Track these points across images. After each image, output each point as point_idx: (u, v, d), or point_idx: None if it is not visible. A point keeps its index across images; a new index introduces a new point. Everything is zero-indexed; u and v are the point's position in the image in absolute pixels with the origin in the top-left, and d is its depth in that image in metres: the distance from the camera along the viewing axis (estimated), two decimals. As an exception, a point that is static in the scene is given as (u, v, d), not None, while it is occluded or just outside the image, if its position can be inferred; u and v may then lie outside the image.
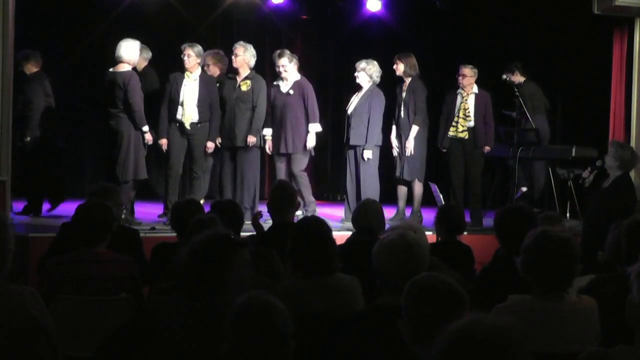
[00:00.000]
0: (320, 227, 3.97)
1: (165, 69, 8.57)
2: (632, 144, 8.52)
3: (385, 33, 10.76)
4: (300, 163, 8.30)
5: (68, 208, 8.30)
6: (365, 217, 5.34)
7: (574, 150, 8.65)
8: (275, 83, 8.42)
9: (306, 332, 2.85)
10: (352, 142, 8.34)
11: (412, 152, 8.35)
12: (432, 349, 1.93)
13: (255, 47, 9.43)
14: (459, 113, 8.61)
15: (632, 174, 7.42)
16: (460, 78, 8.61)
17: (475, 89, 8.60)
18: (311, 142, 8.22)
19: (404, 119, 8.40)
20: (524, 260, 3.34)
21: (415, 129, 8.35)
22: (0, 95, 6.93)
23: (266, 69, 11.16)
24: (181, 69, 8.08)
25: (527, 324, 3.21)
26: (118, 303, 4.17)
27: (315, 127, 8.25)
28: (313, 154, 8.47)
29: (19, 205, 8.24)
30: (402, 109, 8.42)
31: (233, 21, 10.99)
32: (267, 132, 8.27)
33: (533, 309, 3.26)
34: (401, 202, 8.67)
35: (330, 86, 11.51)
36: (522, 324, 3.15)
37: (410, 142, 8.34)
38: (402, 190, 8.63)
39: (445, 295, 2.62)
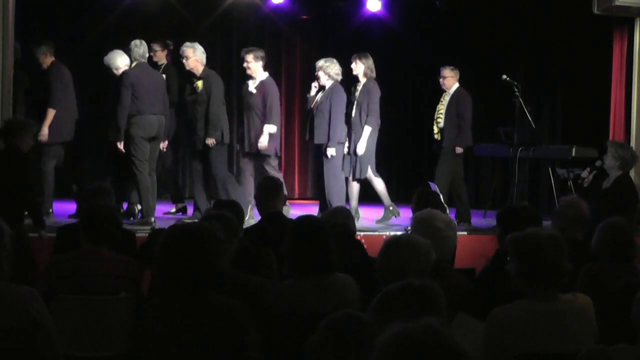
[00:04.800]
0: (318, 227, 3.96)
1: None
2: (632, 144, 8.52)
3: (385, 33, 10.76)
4: (268, 163, 8.27)
5: (64, 208, 8.31)
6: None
7: (573, 150, 8.66)
8: (247, 82, 8.43)
9: (303, 332, 2.84)
10: (315, 141, 8.34)
11: (362, 152, 8.33)
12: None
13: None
14: (435, 114, 8.67)
15: (631, 173, 7.43)
16: (440, 80, 8.66)
17: (453, 89, 8.63)
18: (262, 142, 8.16)
19: (355, 119, 8.40)
20: (516, 262, 3.33)
21: (367, 129, 8.32)
22: (0, 95, 6.93)
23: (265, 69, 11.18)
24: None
25: (525, 325, 3.21)
26: (118, 303, 4.17)
27: (269, 128, 8.17)
28: (278, 154, 8.45)
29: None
30: (354, 108, 8.44)
31: (233, 21, 10.99)
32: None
33: (530, 310, 3.26)
34: (353, 201, 8.54)
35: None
36: (521, 326, 3.19)
37: (362, 143, 8.33)
38: (353, 188, 8.55)
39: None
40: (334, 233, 5.07)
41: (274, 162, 8.38)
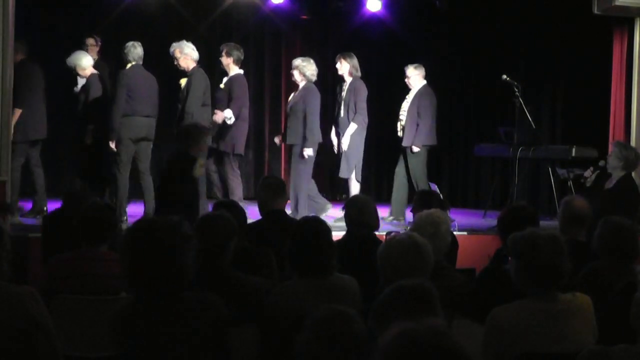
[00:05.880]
0: (318, 227, 3.95)
1: (164, 69, 8.58)
2: (632, 144, 8.51)
3: (385, 33, 10.75)
4: (224, 160, 8.16)
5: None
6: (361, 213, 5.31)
7: (574, 150, 8.66)
8: (223, 78, 8.39)
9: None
10: (288, 141, 8.26)
11: (347, 150, 8.32)
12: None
13: (255, 47, 9.39)
14: (400, 111, 8.71)
15: (633, 174, 7.43)
16: (405, 79, 8.71)
17: (417, 87, 8.66)
18: (221, 115, 8.05)
19: (344, 118, 8.42)
20: (515, 262, 3.33)
21: (353, 126, 8.33)
22: (0, 95, 6.92)
23: (264, 69, 11.17)
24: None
25: (525, 325, 3.21)
26: (118, 303, 4.17)
27: (228, 113, 8.01)
28: (241, 153, 8.32)
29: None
30: (341, 108, 8.44)
31: (233, 21, 10.98)
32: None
33: (530, 310, 3.26)
34: None
35: (330, 86, 11.49)
36: (520, 326, 3.19)
37: (346, 139, 8.32)
38: (354, 188, 8.58)
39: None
40: (355, 233, 5.09)
41: (233, 160, 8.18)
